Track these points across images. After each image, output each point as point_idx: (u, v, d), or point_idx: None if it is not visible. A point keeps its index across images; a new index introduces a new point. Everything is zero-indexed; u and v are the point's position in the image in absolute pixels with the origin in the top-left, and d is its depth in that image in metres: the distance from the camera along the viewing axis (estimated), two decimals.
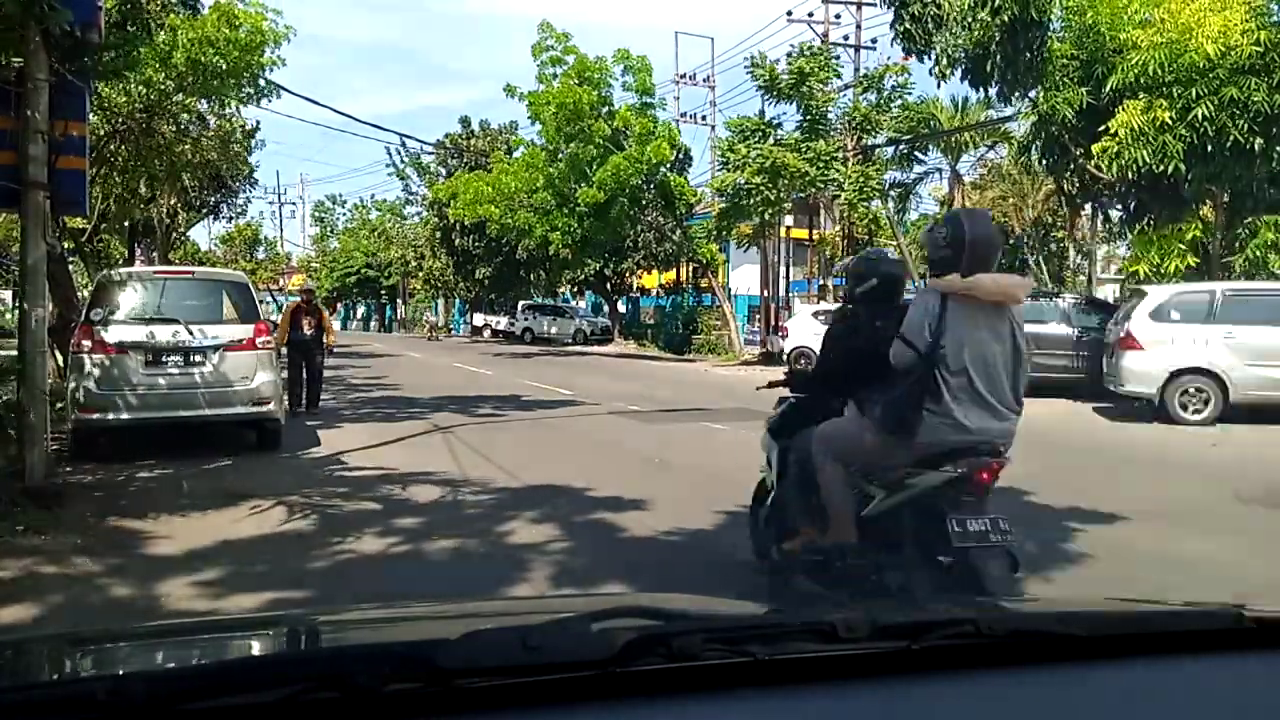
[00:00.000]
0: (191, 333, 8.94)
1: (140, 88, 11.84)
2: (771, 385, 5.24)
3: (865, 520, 4.04)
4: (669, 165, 27.19)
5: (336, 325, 54.68)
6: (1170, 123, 13.66)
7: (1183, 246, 14.76)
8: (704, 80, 36.58)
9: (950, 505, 3.67)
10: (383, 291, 65.11)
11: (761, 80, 22.73)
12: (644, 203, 27.01)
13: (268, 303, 22.96)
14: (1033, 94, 15.74)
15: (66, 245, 14.18)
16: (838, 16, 27.94)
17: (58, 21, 6.43)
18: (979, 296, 3.71)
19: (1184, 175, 14.01)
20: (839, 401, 4.29)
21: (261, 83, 12.06)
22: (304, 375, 12.57)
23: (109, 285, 9.38)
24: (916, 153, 25.81)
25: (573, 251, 29.03)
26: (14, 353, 7.64)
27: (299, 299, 13.39)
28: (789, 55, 23.08)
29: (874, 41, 26.80)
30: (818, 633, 1.22)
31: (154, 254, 23.86)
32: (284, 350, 11.90)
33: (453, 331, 52.62)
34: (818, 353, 4.63)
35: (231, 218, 27.88)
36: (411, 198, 50.99)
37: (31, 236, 6.92)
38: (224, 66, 11.37)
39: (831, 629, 1.20)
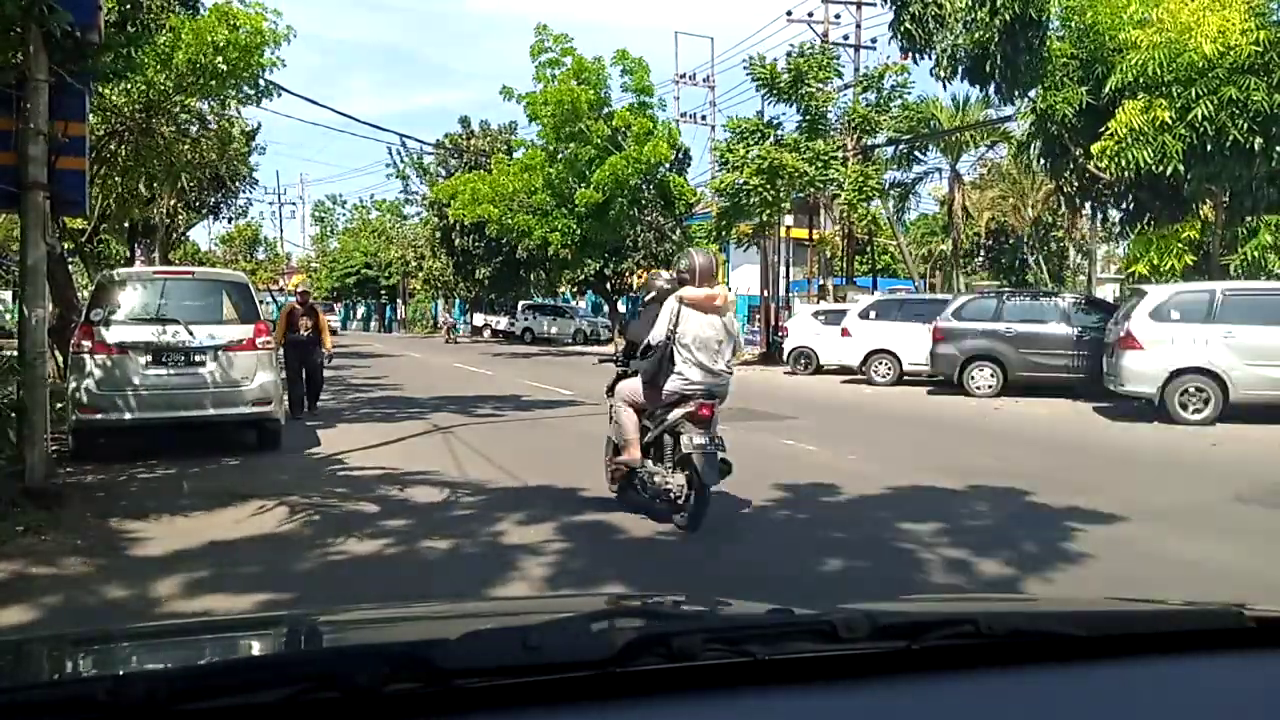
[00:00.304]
0: (191, 333, 8.94)
1: (141, 87, 11.82)
2: (602, 361, 8.32)
3: (648, 444, 6.34)
4: (669, 165, 27.18)
5: (336, 324, 54.67)
6: (1170, 122, 13.66)
7: (1181, 246, 14.75)
8: (704, 80, 36.64)
9: (686, 429, 5.91)
10: (383, 291, 65.10)
11: (761, 79, 22.72)
12: (643, 203, 26.99)
13: (268, 303, 22.88)
14: (1032, 93, 15.75)
15: (66, 245, 14.18)
16: (837, 16, 27.94)
17: (57, 23, 6.43)
18: (694, 303, 6.09)
19: (1183, 175, 14.01)
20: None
21: (261, 83, 12.05)
22: (302, 376, 12.57)
23: (109, 285, 9.38)
24: (916, 152, 25.82)
25: (572, 252, 29.01)
26: (14, 353, 7.63)
27: (295, 300, 13.42)
28: (789, 54, 23.08)
29: (874, 41, 26.82)
30: (818, 633, 1.22)
31: (154, 254, 23.81)
32: (281, 352, 11.90)
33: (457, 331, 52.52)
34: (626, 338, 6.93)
35: (231, 218, 27.81)
36: (411, 198, 51.02)
37: (31, 237, 6.92)
38: (224, 68, 11.36)
39: (831, 629, 1.20)
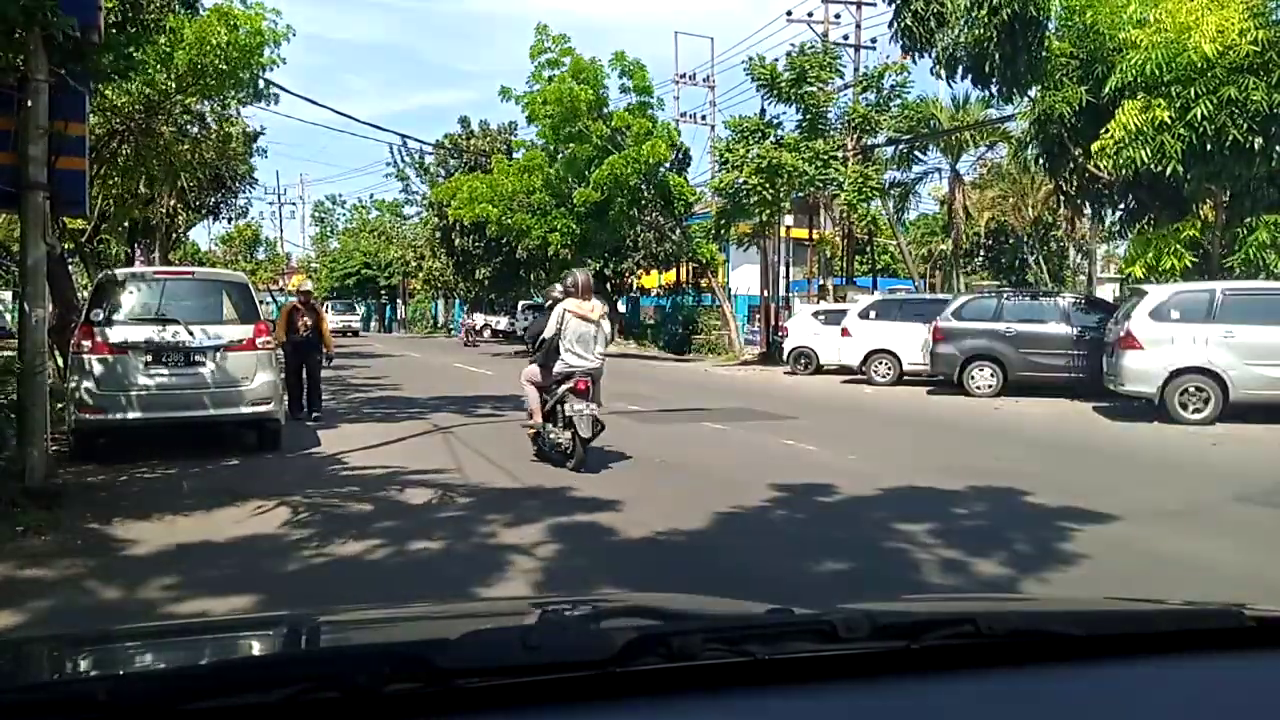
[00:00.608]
0: (191, 333, 8.94)
1: (141, 87, 11.82)
2: (518, 353, 9.53)
3: (547, 412, 8.45)
4: (668, 165, 27.16)
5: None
6: (1169, 122, 13.64)
7: (1181, 246, 14.74)
8: (704, 80, 36.57)
9: (569, 399, 8.10)
10: (383, 291, 65.06)
11: (761, 79, 22.71)
12: (643, 203, 26.97)
13: (268, 303, 22.80)
14: (1032, 93, 15.73)
15: (66, 245, 14.15)
16: (837, 16, 27.91)
17: (60, 28, 6.43)
18: (574, 311, 8.16)
19: (1183, 175, 13.99)
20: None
21: (260, 84, 12.06)
22: (303, 376, 12.54)
23: (109, 285, 9.37)
24: (916, 152, 25.79)
25: (572, 252, 29.00)
26: (14, 353, 7.64)
27: (296, 300, 13.38)
28: (789, 54, 23.07)
29: (873, 41, 26.80)
30: (818, 633, 1.22)
31: (154, 254, 23.80)
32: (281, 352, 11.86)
33: (453, 332, 52.38)
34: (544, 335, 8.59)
35: (231, 218, 27.74)
36: (411, 198, 50.98)
37: (31, 237, 6.93)
38: (224, 68, 11.37)
39: (831, 629, 1.20)
